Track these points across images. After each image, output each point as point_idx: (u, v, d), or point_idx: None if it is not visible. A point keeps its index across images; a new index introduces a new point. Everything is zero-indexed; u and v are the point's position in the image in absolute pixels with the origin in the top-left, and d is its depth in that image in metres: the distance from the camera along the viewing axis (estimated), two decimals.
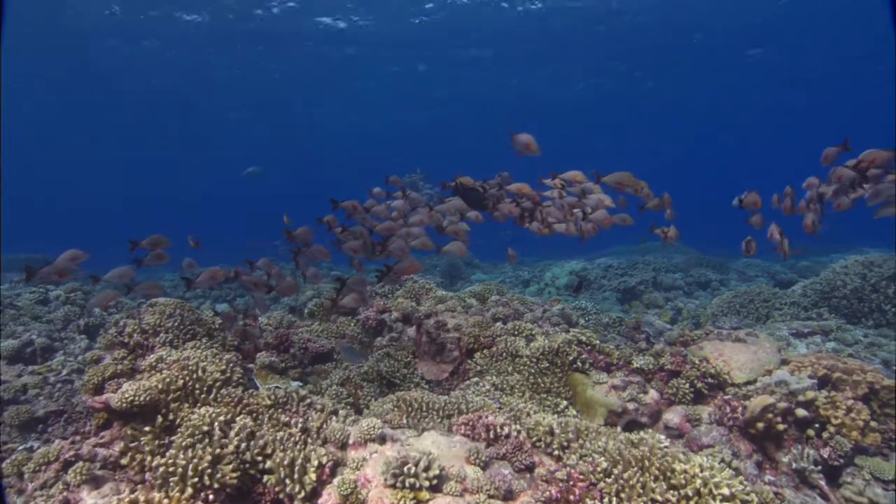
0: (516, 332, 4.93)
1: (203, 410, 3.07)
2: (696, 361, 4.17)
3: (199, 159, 42.11)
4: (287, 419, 3.48)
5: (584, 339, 4.48)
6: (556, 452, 3.18)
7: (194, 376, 3.47)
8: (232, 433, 3.07)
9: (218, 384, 3.53)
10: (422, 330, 5.26)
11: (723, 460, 3.43)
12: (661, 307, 10.61)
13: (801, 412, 3.56)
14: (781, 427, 3.53)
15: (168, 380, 3.37)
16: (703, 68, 24.06)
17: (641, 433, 3.31)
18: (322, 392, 4.52)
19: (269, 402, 3.57)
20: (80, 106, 27.16)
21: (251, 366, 4.61)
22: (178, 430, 2.97)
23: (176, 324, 4.53)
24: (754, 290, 8.85)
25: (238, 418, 3.19)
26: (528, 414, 3.73)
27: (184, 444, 2.82)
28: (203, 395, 3.39)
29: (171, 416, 3.19)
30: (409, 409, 3.77)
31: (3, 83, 19.52)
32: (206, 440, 2.90)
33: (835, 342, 6.79)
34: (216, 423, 3.00)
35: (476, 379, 4.26)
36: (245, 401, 3.47)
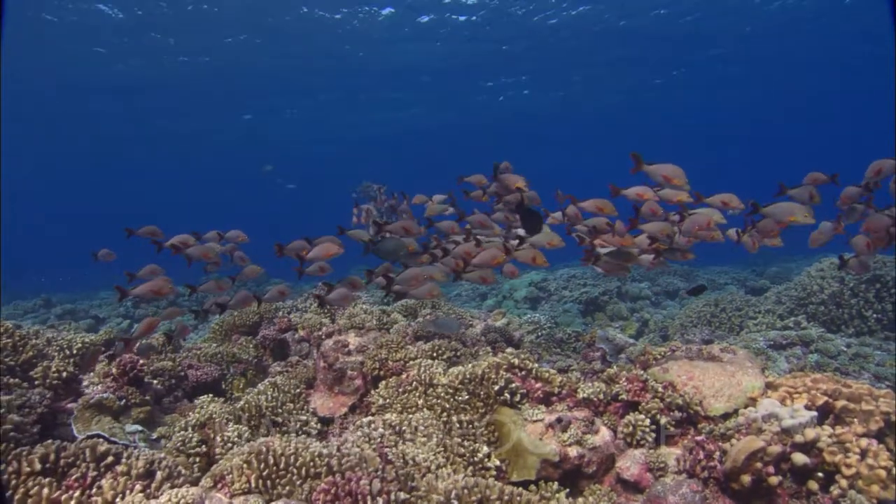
0: (436, 354, 3.88)
1: None
2: (660, 389, 3.18)
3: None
4: (58, 493, 2.33)
5: (516, 362, 3.44)
6: None
7: None
8: None
9: None
10: (320, 352, 4.16)
11: None
12: (626, 319, 9.71)
13: (799, 458, 2.58)
14: (774, 480, 2.54)
15: None
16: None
17: (579, 500, 2.29)
18: (170, 438, 3.36)
19: (37, 467, 2.42)
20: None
21: (72, 406, 3.42)
22: None
23: None
24: (725, 297, 8.01)
25: None
26: (430, 470, 2.67)
27: None
28: None
29: None
30: (264, 465, 2.65)
31: (3, 83, 17.84)
32: None
33: (818, 354, 5.94)
34: None
35: (369, 419, 3.17)
36: None
